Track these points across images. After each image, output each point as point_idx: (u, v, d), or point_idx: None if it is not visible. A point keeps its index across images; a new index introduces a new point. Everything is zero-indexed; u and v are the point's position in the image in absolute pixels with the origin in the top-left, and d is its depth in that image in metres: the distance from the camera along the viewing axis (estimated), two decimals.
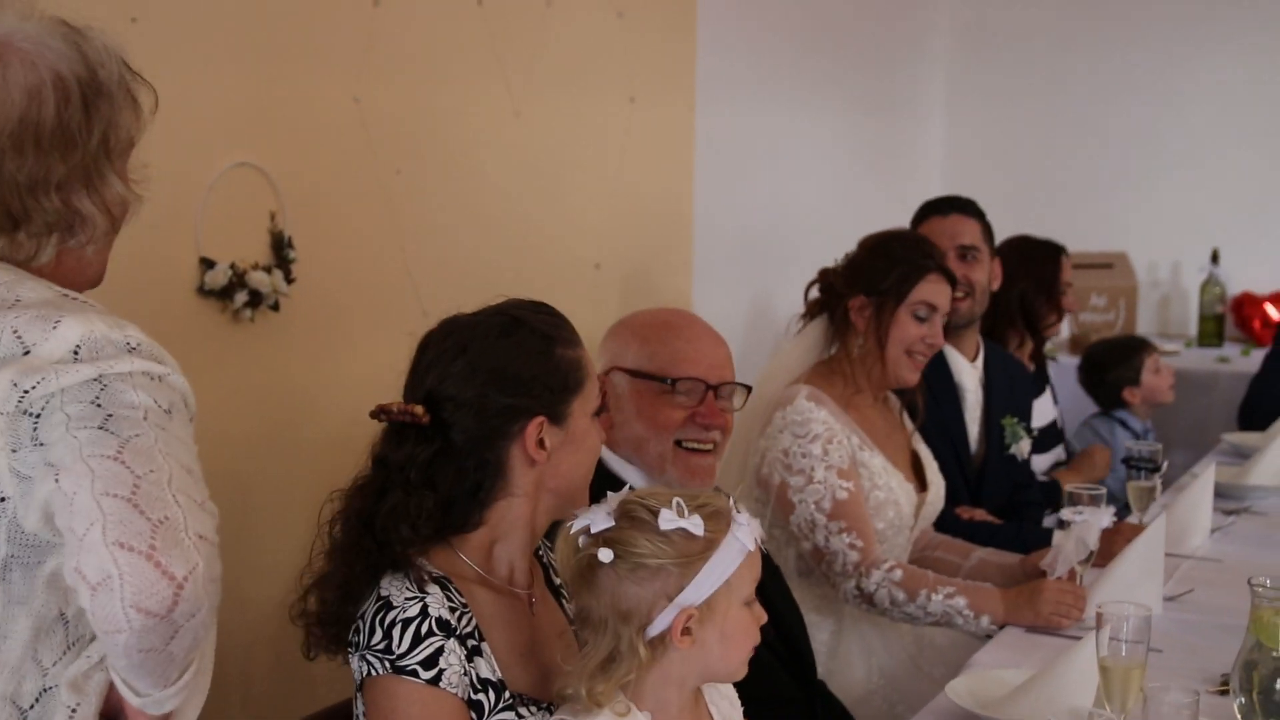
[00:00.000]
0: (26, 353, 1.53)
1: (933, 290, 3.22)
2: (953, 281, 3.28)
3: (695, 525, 1.81)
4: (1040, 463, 4.28)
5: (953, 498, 3.62)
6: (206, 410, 2.95)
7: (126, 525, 1.42)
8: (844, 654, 3.17)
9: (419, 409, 1.99)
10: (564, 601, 2.12)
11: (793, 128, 5.29)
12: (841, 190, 5.66)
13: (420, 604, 1.90)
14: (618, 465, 2.59)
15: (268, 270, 3.07)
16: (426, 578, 1.93)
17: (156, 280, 2.88)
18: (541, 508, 2.06)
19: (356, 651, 1.94)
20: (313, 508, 2.17)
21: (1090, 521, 2.77)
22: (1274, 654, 2.19)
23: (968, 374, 3.83)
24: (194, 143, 2.92)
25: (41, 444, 1.50)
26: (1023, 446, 3.86)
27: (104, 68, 1.67)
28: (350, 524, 1.99)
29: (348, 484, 2.04)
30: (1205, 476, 3.41)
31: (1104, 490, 2.83)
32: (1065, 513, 2.81)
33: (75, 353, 1.54)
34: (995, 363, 3.94)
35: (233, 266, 3.00)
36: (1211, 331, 6.04)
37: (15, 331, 1.54)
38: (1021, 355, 4.34)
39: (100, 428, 1.48)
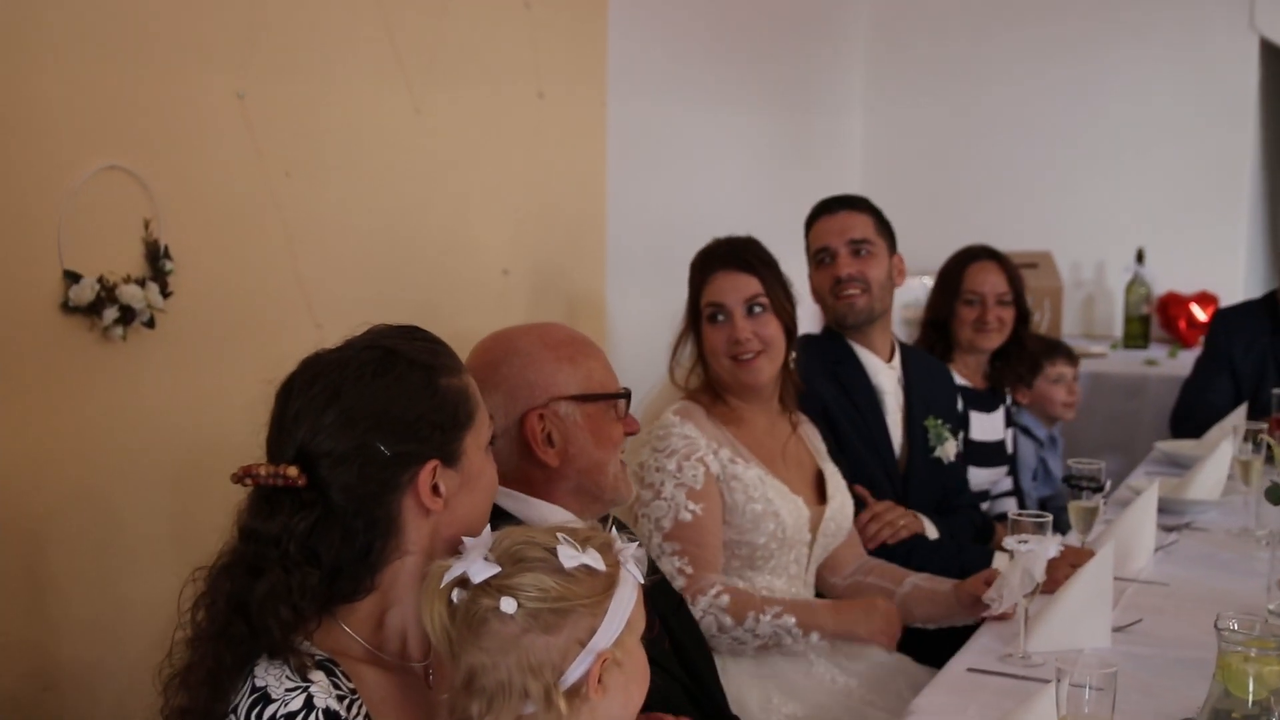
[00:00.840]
0: None
1: (715, 289, 3.18)
2: (746, 268, 3.17)
3: (596, 560, 1.65)
4: (979, 477, 4.13)
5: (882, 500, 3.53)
6: (72, 438, 2.75)
7: None
8: (752, 686, 3.00)
9: (292, 470, 1.74)
10: None
11: (707, 122, 5.13)
12: (758, 188, 5.51)
13: (304, 695, 1.65)
14: (521, 505, 2.35)
15: (141, 283, 2.82)
16: (309, 663, 1.68)
17: (13, 296, 2.63)
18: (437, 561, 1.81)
19: None
20: (190, 545, 1.96)
21: (1036, 551, 2.58)
22: (1246, 702, 2.02)
23: (884, 374, 3.70)
24: (54, 143, 2.67)
25: None
26: (948, 449, 3.72)
27: None
28: (217, 609, 1.73)
29: (211, 561, 1.78)
30: (1148, 493, 3.25)
31: (1050, 517, 2.65)
32: (1009, 541, 2.62)
33: None
34: (913, 362, 3.82)
35: (100, 280, 2.75)
36: (1137, 333, 5.94)
37: None
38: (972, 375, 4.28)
39: None
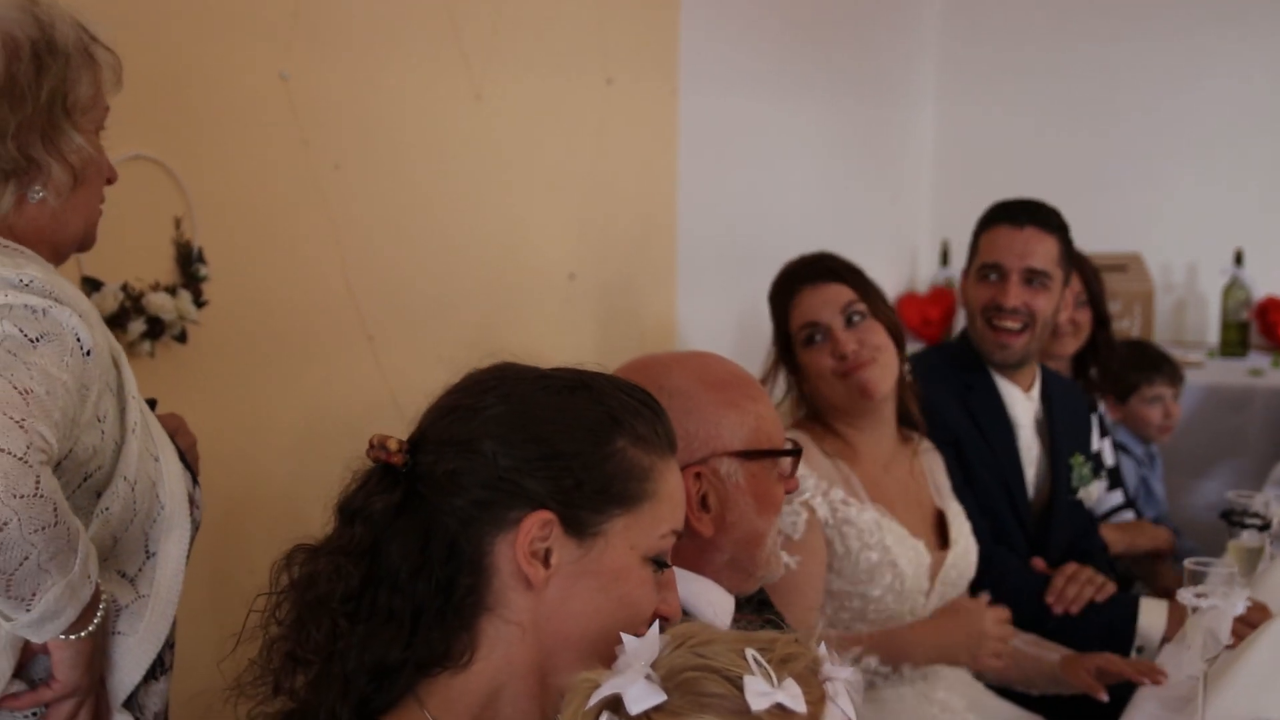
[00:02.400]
0: None
1: (803, 310, 2.88)
2: (833, 277, 2.88)
3: (794, 698, 1.23)
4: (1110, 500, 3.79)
5: (1009, 547, 3.17)
6: None
7: None
8: None
9: (393, 443, 1.46)
10: None
11: (779, 116, 4.88)
12: (830, 185, 5.26)
13: None
14: (696, 588, 1.96)
15: (172, 291, 2.59)
16: None
17: None
18: (550, 660, 1.43)
19: None
20: (226, 606, 1.69)
21: (1222, 609, 2.20)
22: None
23: (1021, 405, 3.31)
24: None
25: None
26: (1092, 490, 3.35)
27: (58, 30, 1.82)
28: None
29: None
30: None
31: (1235, 568, 2.28)
32: (1185, 595, 2.24)
33: None
34: (1055, 392, 3.43)
35: (125, 288, 2.51)
36: (1235, 340, 5.56)
37: None
38: None
39: None
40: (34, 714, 1.77)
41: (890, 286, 5.77)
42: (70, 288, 1.76)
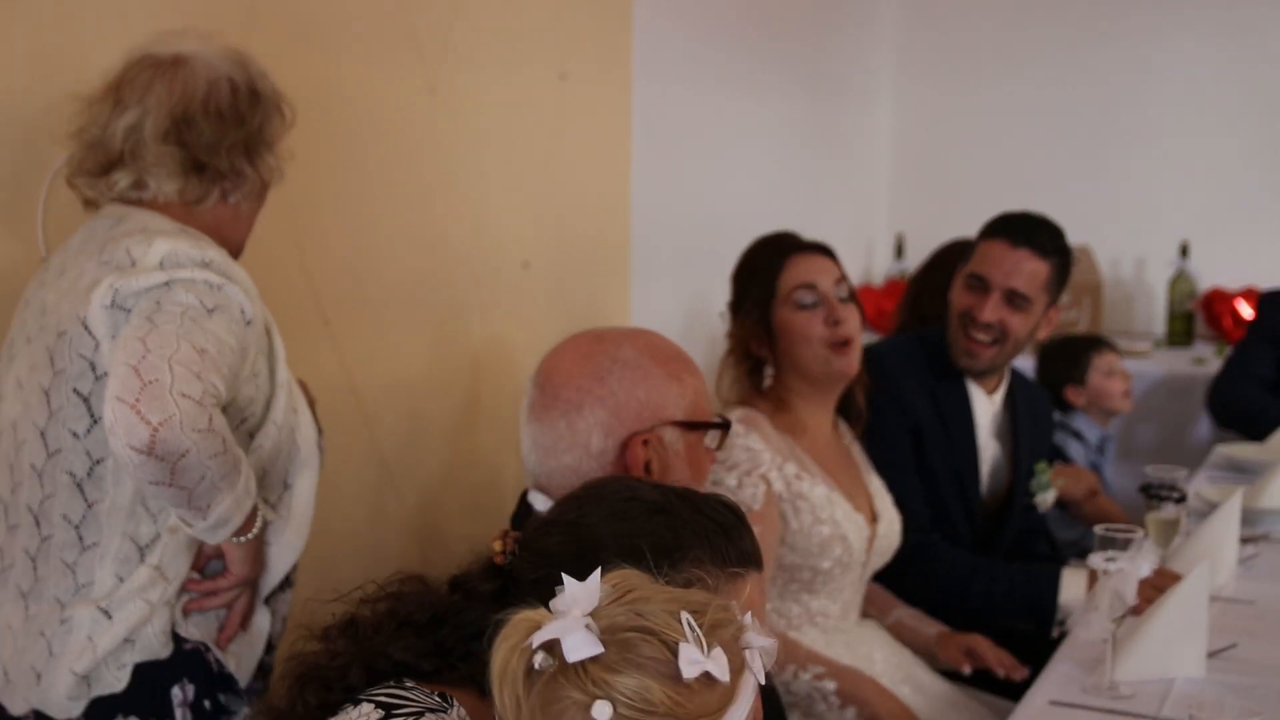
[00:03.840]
0: (133, 264, 2.08)
1: (802, 270, 2.84)
2: (823, 252, 2.89)
3: (720, 666, 1.28)
4: None
5: (953, 541, 3.23)
6: None
7: (125, 384, 1.93)
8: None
9: (498, 544, 1.62)
10: None
11: (735, 109, 4.90)
12: (786, 178, 5.30)
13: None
14: None
15: None
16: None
17: None
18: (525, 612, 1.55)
19: None
20: None
21: (1127, 571, 2.31)
22: None
23: (983, 405, 3.34)
24: (32, 121, 2.43)
25: (125, 322, 2.03)
26: (1048, 497, 3.39)
27: (262, 81, 2.29)
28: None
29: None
30: (1230, 504, 2.98)
31: (1140, 533, 2.39)
32: (1095, 559, 2.35)
33: (160, 264, 2.08)
34: (1021, 396, 3.44)
35: None
36: (1181, 330, 5.67)
37: (128, 250, 2.10)
38: None
39: (147, 318, 2.01)
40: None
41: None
42: (238, 269, 2.15)
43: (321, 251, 3.06)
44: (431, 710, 1.45)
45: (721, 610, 1.34)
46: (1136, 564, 2.33)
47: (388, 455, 3.29)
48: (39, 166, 2.42)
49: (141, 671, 2.12)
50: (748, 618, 1.35)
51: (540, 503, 2.05)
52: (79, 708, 2.11)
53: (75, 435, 2.11)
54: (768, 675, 1.35)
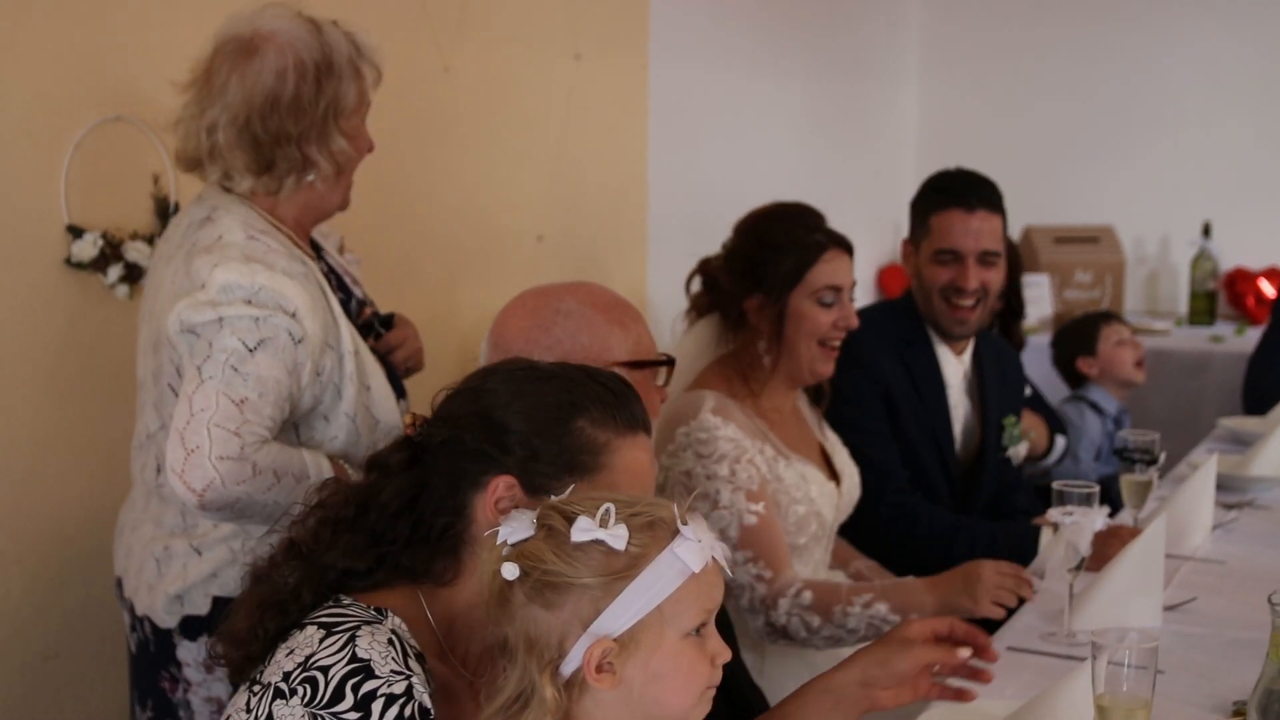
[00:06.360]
0: (201, 287, 2.24)
1: (832, 270, 2.88)
2: (851, 253, 2.93)
3: (616, 537, 1.47)
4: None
5: (933, 500, 3.31)
6: (70, 397, 2.66)
7: (174, 454, 2.18)
8: (785, 679, 2.82)
9: (408, 416, 1.80)
10: None
11: (755, 90, 4.98)
12: (809, 158, 5.36)
13: (406, 682, 1.55)
14: None
15: (149, 240, 2.74)
16: (411, 651, 1.60)
17: (19, 250, 2.57)
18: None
19: (286, 701, 1.56)
20: None
21: (1081, 524, 2.42)
22: None
23: (952, 366, 3.45)
24: (57, 93, 2.59)
25: (190, 350, 2.24)
26: (1020, 449, 3.49)
27: (337, 51, 2.35)
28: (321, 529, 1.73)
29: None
30: (1206, 468, 3.08)
31: (1096, 488, 2.49)
32: (1053, 513, 2.46)
33: (215, 299, 2.23)
34: (987, 354, 3.55)
35: (105, 236, 2.68)
36: (1203, 309, 5.73)
37: (199, 271, 2.25)
38: None
39: (198, 368, 2.21)
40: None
41: (873, 258, 5.92)
42: (289, 288, 2.26)
43: (336, 227, 3.16)
44: (367, 623, 1.59)
45: (651, 505, 1.53)
46: (1090, 517, 2.43)
47: None
48: (62, 137, 2.58)
49: (220, 602, 2.36)
50: (680, 513, 1.53)
51: None
52: (174, 620, 2.39)
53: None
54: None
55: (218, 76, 2.32)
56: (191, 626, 2.40)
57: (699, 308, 3.04)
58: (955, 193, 3.38)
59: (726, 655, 1.55)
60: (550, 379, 1.76)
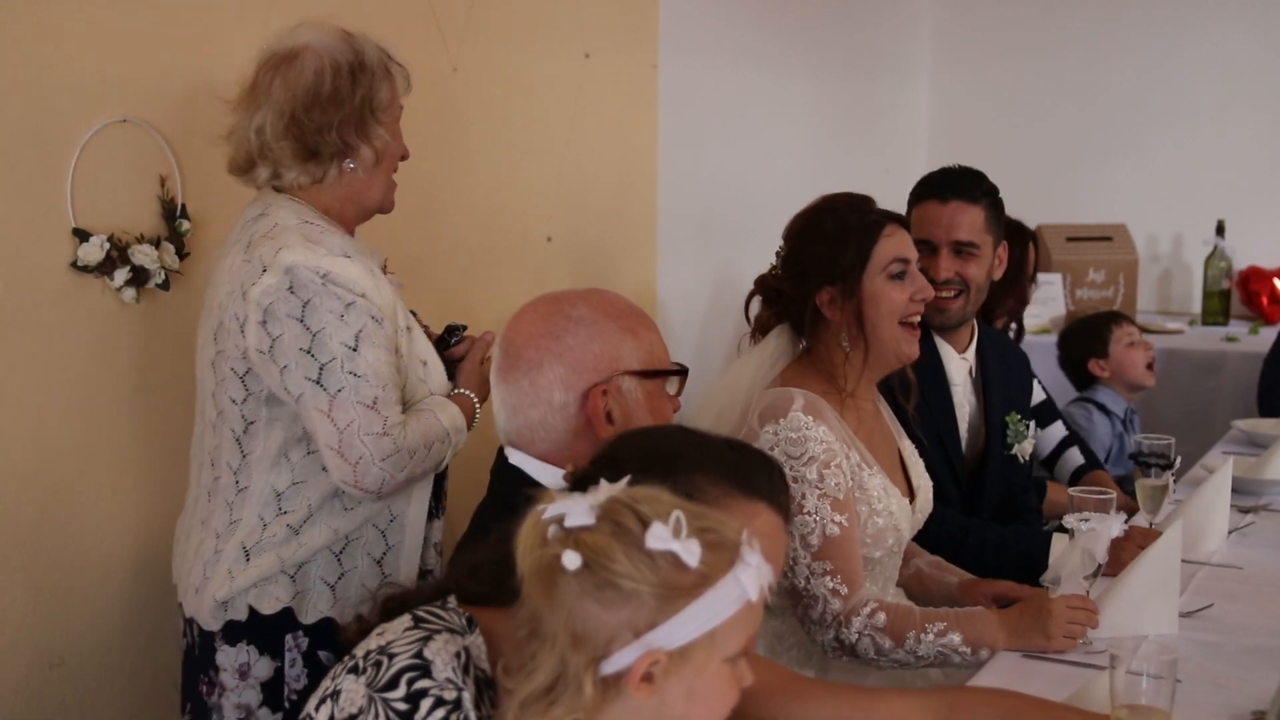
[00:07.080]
0: (265, 270, 2.40)
1: (896, 244, 2.78)
2: (905, 224, 2.84)
3: (690, 552, 1.45)
4: (1047, 439, 3.91)
5: (943, 503, 3.22)
6: (75, 402, 2.64)
7: (340, 470, 2.40)
8: None
9: (570, 466, 1.84)
10: None
11: (764, 88, 4.96)
12: (821, 157, 5.33)
13: (457, 694, 1.59)
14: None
15: (156, 243, 2.73)
16: (475, 671, 1.63)
17: (25, 253, 2.55)
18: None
19: (357, 677, 1.61)
20: None
21: (1098, 531, 2.40)
22: None
23: (955, 364, 3.40)
24: (63, 95, 2.57)
25: (272, 343, 2.40)
26: (1025, 447, 3.44)
27: (367, 55, 2.54)
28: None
29: None
30: (1222, 472, 3.05)
31: (1113, 495, 2.47)
32: (1069, 519, 2.44)
33: (287, 283, 2.39)
34: (989, 350, 3.51)
35: (112, 239, 2.66)
36: (1216, 309, 5.68)
37: (261, 258, 2.41)
38: None
39: (316, 382, 2.38)
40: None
41: None
42: (350, 268, 2.43)
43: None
44: (450, 631, 1.63)
45: (719, 523, 1.51)
46: (1107, 524, 2.41)
47: None
48: (68, 140, 2.57)
49: (256, 613, 2.49)
50: (748, 538, 1.51)
51: (516, 458, 2.16)
52: (218, 624, 2.50)
53: (234, 401, 2.47)
54: None
55: (262, 85, 2.48)
56: (233, 631, 2.50)
57: (763, 326, 2.88)
58: (932, 184, 3.39)
59: (750, 681, 1.54)
60: (683, 432, 1.85)
